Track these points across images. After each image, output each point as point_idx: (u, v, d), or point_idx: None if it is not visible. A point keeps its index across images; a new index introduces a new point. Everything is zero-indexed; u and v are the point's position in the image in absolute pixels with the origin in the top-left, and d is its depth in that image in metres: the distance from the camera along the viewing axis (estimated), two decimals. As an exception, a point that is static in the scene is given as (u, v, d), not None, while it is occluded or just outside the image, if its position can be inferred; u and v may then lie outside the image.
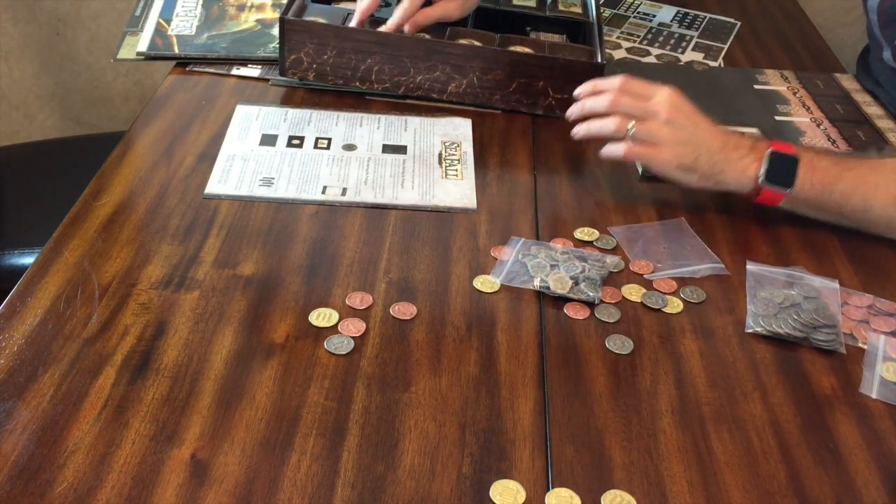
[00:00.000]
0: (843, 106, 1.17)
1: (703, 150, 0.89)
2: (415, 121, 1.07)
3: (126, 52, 1.16)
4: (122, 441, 0.64)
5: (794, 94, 1.20)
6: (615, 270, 0.85)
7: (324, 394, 0.69)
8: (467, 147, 1.03)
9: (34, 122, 1.96)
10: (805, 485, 0.66)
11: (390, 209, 0.91)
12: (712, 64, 1.27)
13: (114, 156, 0.97)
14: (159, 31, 1.19)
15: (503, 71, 1.07)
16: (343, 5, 1.20)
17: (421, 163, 0.99)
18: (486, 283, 0.82)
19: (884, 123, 1.13)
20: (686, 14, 1.41)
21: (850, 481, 0.66)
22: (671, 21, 1.39)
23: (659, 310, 0.81)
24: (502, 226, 0.90)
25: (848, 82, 1.23)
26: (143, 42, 1.17)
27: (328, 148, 1.00)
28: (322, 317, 0.77)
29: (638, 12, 1.41)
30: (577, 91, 0.97)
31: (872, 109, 1.16)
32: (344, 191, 0.94)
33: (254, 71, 1.14)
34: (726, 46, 1.32)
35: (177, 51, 1.15)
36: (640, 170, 1.00)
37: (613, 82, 0.94)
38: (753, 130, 1.08)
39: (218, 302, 0.78)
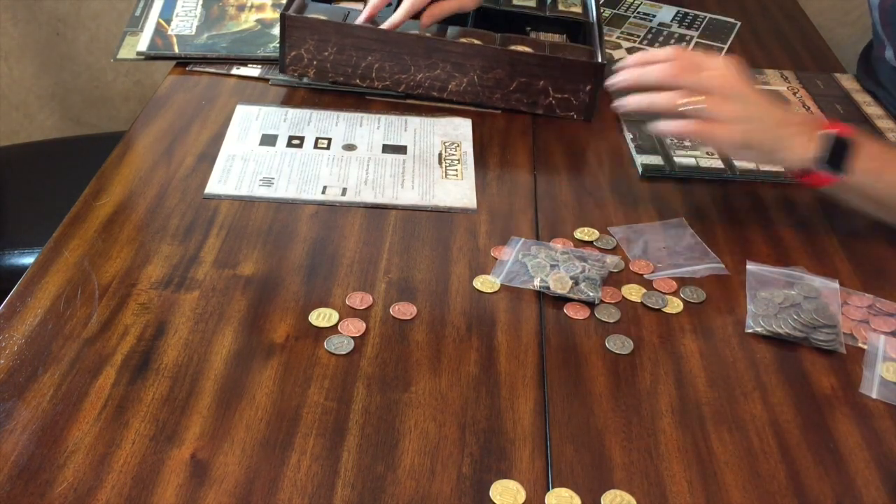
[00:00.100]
0: (843, 106, 1.17)
1: (760, 127, 0.86)
2: (415, 121, 1.07)
3: (126, 52, 1.16)
4: (122, 441, 0.64)
5: (795, 94, 1.20)
6: (615, 270, 0.85)
7: (324, 394, 0.69)
8: (467, 147, 1.03)
9: (34, 122, 1.96)
10: (805, 485, 0.66)
11: (390, 209, 0.91)
12: (712, 64, 1.27)
13: (114, 156, 0.97)
14: (159, 31, 1.19)
15: (504, 70, 1.07)
16: (343, 4, 1.20)
17: (421, 163, 0.99)
18: (486, 283, 0.82)
19: (884, 123, 1.13)
20: (686, 14, 1.41)
21: (850, 481, 0.66)
22: (671, 21, 1.39)
23: (659, 310, 0.81)
24: (502, 226, 0.90)
25: (848, 82, 1.23)
26: (143, 42, 1.17)
27: (328, 148, 1.00)
28: (322, 317, 0.77)
29: (638, 12, 1.41)
30: (626, 61, 0.93)
31: (872, 109, 1.16)
32: (344, 191, 0.94)
33: (254, 71, 1.14)
34: (726, 46, 1.32)
35: (177, 51, 1.15)
36: (640, 170, 1.00)
37: (665, 53, 0.90)
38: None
39: (218, 302, 0.78)
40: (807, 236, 0.92)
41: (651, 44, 1.31)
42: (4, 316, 0.75)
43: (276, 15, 1.18)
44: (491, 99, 1.09)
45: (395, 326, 0.77)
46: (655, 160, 1.01)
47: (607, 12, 1.39)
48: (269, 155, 0.98)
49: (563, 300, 0.81)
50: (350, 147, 1.01)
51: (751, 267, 0.86)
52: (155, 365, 0.71)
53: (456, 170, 0.98)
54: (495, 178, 0.98)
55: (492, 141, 1.04)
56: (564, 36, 1.24)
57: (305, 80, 1.11)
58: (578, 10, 1.23)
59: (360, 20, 1.09)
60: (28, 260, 1.20)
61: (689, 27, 1.37)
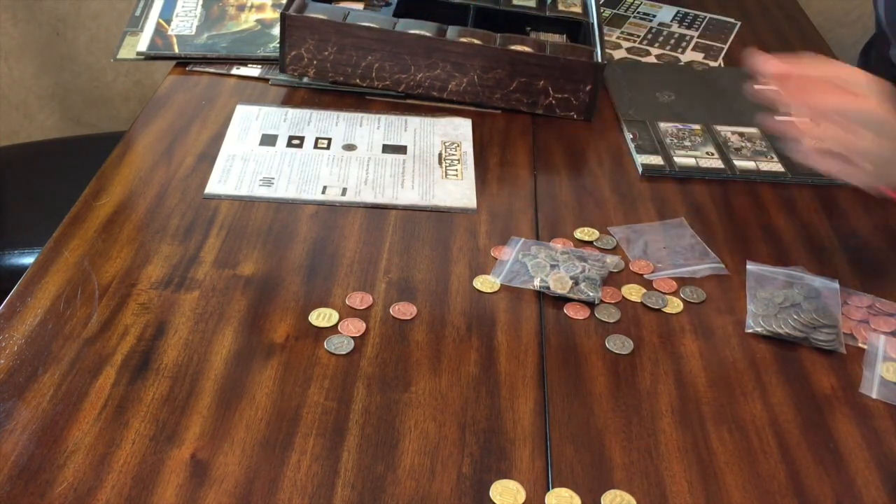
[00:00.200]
0: (844, 106, 1.17)
1: None
2: (415, 121, 1.07)
3: (126, 52, 1.16)
4: (122, 441, 0.64)
5: (795, 93, 1.19)
6: (615, 270, 0.85)
7: (324, 394, 0.69)
8: (467, 147, 1.03)
9: (34, 122, 1.96)
10: (805, 485, 0.66)
11: (390, 209, 0.91)
12: (712, 64, 1.27)
13: (114, 156, 0.97)
14: (159, 31, 1.19)
15: (504, 70, 1.07)
16: (343, 4, 1.20)
17: (421, 163, 0.99)
18: (486, 283, 0.82)
19: (884, 123, 1.12)
20: (686, 14, 1.41)
21: (850, 481, 0.66)
22: (671, 21, 1.39)
23: (659, 310, 0.81)
24: (502, 226, 0.90)
25: (848, 82, 1.23)
26: (143, 42, 1.17)
27: (328, 148, 1.00)
28: (322, 317, 0.77)
29: (638, 12, 1.41)
30: (770, 67, 0.85)
31: (873, 109, 1.16)
32: (344, 191, 0.94)
33: (254, 71, 1.14)
34: (726, 46, 1.32)
35: (177, 51, 1.15)
36: (640, 170, 1.00)
37: (816, 72, 0.83)
38: (753, 130, 1.08)
39: (218, 302, 0.78)
40: (807, 236, 0.92)
41: (651, 44, 1.31)
42: (4, 316, 0.75)
43: (276, 15, 1.18)
44: (491, 99, 1.09)
45: (395, 326, 0.77)
46: (655, 160, 1.01)
47: (607, 12, 1.39)
48: (269, 155, 0.98)
49: (563, 300, 0.81)
50: (350, 147, 1.01)
51: (751, 267, 0.86)
52: (155, 365, 0.71)
53: (456, 170, 0.98)
54: (495, 178, 0.98)
55: (492, 141, 1.04)
56: (564, 36, 1.24)
57: (305, 79, 1.11)
58: (578, 10, 1.23)
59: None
60: (28, 260, 1.20)
61: (689, 27, 1.37)
